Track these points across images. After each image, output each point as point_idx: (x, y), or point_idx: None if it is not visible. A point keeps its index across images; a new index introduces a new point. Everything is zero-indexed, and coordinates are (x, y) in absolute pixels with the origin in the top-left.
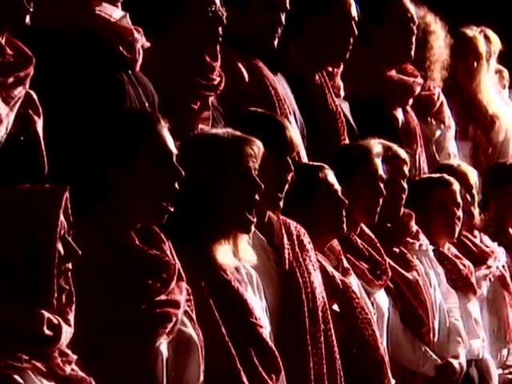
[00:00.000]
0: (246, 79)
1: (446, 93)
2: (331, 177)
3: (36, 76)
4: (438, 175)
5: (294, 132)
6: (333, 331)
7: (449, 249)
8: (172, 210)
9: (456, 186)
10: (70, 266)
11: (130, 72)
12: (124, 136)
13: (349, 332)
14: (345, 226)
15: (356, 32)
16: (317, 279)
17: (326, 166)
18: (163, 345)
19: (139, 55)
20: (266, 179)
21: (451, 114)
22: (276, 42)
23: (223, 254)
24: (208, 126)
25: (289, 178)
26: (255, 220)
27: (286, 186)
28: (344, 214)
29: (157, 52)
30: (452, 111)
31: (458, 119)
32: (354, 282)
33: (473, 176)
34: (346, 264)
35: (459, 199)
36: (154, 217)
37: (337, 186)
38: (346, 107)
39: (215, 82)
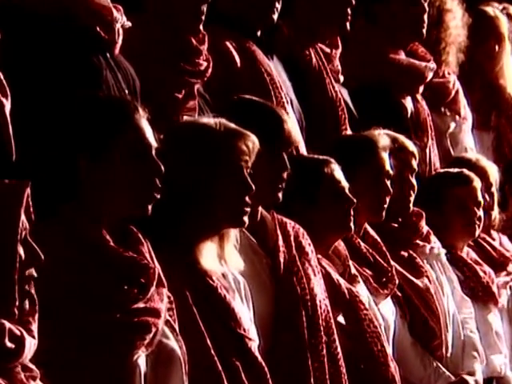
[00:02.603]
0: (238, 64)
1: (464, 78)
2: (338, 172)
3: (3, 56)
4: (456, 170)
5: (293, 125)
6: (338, 343)
7: (468, 253)
8: (157, 198)
9: (477, 183)
10: (32, 271)
11: (108, 55)
12: (97, 126)
13: (355, 347)
14: (352, 224)
15: (353, 1)
16: (318, 285)
17: (332, 161)
18: (141, 358)
19: (119, 36)
20: (258, 176)
21: (469, 102)
22: (275, 17)
23: (208, 257)
24: (194, 116)
25: (285, 176)
26: (249, 210)
27: (282, 185)
28: (352, 214)
29: (137, 33)
30: (469, 99)
31: (479, 107)
32: (362, 290)
33: (493, 172)
34: (353, 270)
35: (480, 198)
36: (131, 214)
37: (344, 183)
38: (345, 93)
39: (202, 68)
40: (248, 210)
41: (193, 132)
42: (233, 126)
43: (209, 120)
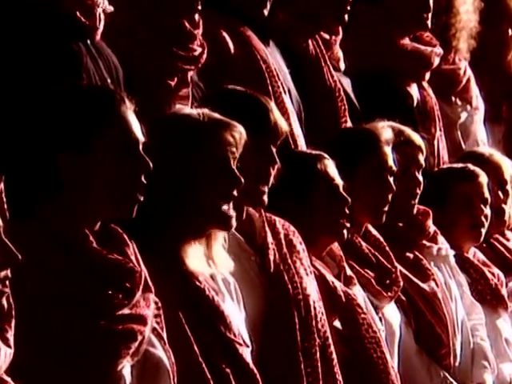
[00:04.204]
0: (232, 50)
1: (474, 66)
2: (332, 169)
3: None
4: (461, 165)
5: (280, 116)
6: (333, 348)
7: (474, 254)
8: (141, 199)
9: (483, 178)
10: (8, 273)
11: (88, 42)
12: (80, 118)
13: (353, 354)
14: (346, 232)
15: None
16: (311, 285)
17: (325, 156)
18: (126, 368)
19: (100, 22)
20: (245, 171)
21: (480, 93)
22: (268, 4)
23: (195, 258)
24: (187, 105)
25: (273, 171)
26: (234, 214)
27: (271, 180)
28: (347, 214)
29: (122, 16)
30: (481, 89)
31: (490, 98)
32: (358, 293)
33: (507, 168)
34: (349, 272)
35: (487, 194)
36: (117, 214)
37: (338, 181)
38: (346, 83)
39: (196, 53)
40: (233, 213)
41: (174, 124)
42: (217, 116)
43: (191, 111)
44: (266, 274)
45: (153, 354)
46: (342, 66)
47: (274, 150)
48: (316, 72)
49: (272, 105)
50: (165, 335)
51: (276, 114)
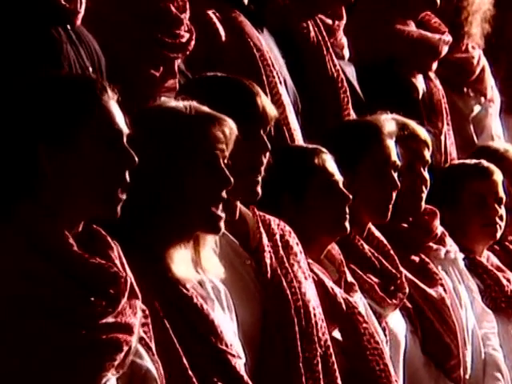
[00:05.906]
0: (223, 37)
1: (489, 54)
2: (330, 164)
3: None
4: (474, 161)
5: (268, 100)
6: (334, 359)
7: (488, 258)
8: (124, 198)
9: (498, 176)
10: None
11: (68, 27)
12: (59, 110)
13: (354, 366)
14: (347, 223)
15: None
16: (310, 290)
17: (323, 150)
18: (111, 381)
19: (81, 5)
20: (236, 163)
21: (495, 83)
22: None
23: (181, 264)
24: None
25: (264, 158)
26: (224, 215)
27: (263, 169)
28: (347, 212)
29: (104, 1)
30: (496, 79)
31: (506, 87)
32: (359, 301)
33: None
34: (349, 278)
35: (502, 193)
36: (100, 213)
37: (338, 177)
38: (350, 72)
39: (183, 40)
40: (223, 214)
41: (158, 118)
42: (206, 109)
43: (178, 103)
44: (263, 279)
45: (140, 366)
46: (347, 53)
47: (264, 136)
48: (317, 60)
49: (258, 89)
50: (153, 345)
51: (263, 98)
